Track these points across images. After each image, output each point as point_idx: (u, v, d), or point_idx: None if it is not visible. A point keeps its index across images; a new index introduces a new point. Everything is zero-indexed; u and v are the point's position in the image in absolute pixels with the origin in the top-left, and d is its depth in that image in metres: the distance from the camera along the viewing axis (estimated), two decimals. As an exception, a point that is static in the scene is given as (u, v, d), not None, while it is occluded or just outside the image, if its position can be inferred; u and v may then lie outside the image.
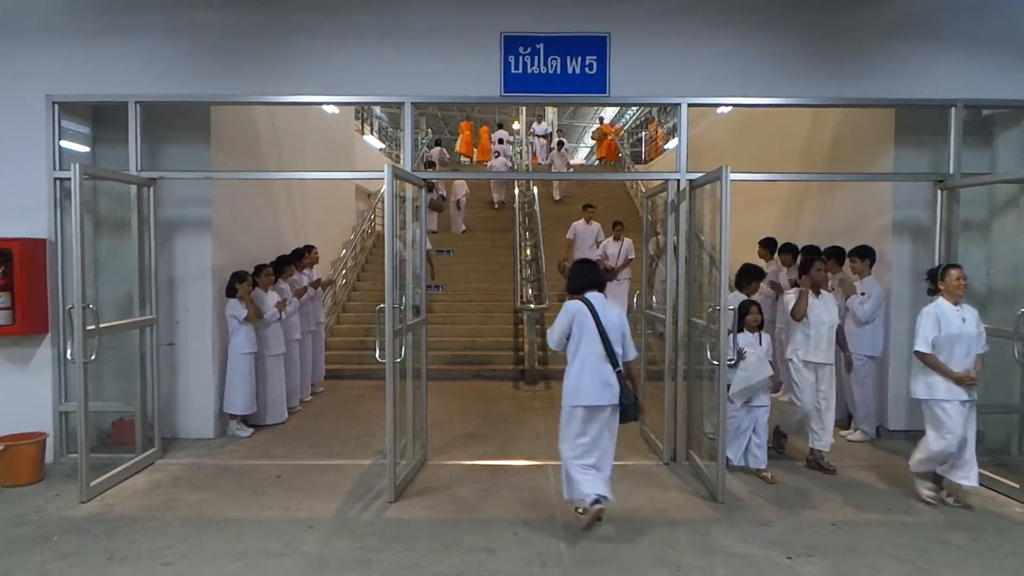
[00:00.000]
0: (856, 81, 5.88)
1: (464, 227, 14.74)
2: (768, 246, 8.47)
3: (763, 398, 5.54)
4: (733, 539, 4.42)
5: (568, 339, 4.48)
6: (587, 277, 4.63)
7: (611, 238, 10.54)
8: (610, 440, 4.50)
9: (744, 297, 5.83)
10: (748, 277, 5.98)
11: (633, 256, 10.29)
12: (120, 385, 6.15)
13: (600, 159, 18.99)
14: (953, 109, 5.87)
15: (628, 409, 4.39)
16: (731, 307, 5.26)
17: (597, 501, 4.35)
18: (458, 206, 14.77)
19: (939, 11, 5.85)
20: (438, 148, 18.30)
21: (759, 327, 5.64)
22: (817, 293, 5.68)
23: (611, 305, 4.53)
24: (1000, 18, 5.83)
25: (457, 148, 19.76)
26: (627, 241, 10.41)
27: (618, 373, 4.38)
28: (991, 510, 4.92)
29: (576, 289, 4.59)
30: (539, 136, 19.02)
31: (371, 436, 6.69)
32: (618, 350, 4.40)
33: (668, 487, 5.40)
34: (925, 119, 6.29)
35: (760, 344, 5.56)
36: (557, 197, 15.99)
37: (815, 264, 5.66)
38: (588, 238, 11.00)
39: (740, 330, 5.52)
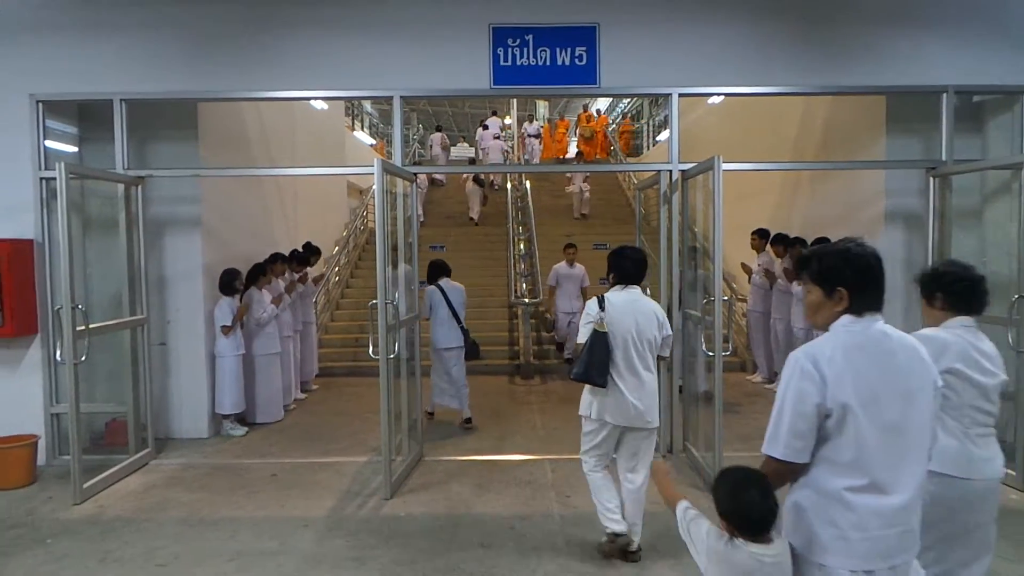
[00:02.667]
0: (846, 68, 5.86)
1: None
2: (761, 236, 8.47)
3: None
4: (730, 530, 4.41)
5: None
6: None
7: (564, 262, 9.46)
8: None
9: None
10: None
11: (588, 284, 9.39)
12: (112, 386, 6.11)
13: (585, 158, 16.87)
14: (944, 95, 5.86)
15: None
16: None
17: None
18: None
19: (929, -3, 5.83)
20: (439, 134, 18.22)
21: None
22: None
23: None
24: (991, 4, 5.82)
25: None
26: (580, 267, 9.43)
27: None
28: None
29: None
30: (531, 136, 18.28)
31: (366, 433, 6.67)
32: None
33: (664, 479, 5.38)
34: (916, 106, 6.27)
35: None
36: (585, 212, 14.66)
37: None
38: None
39: None
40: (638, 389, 3.85)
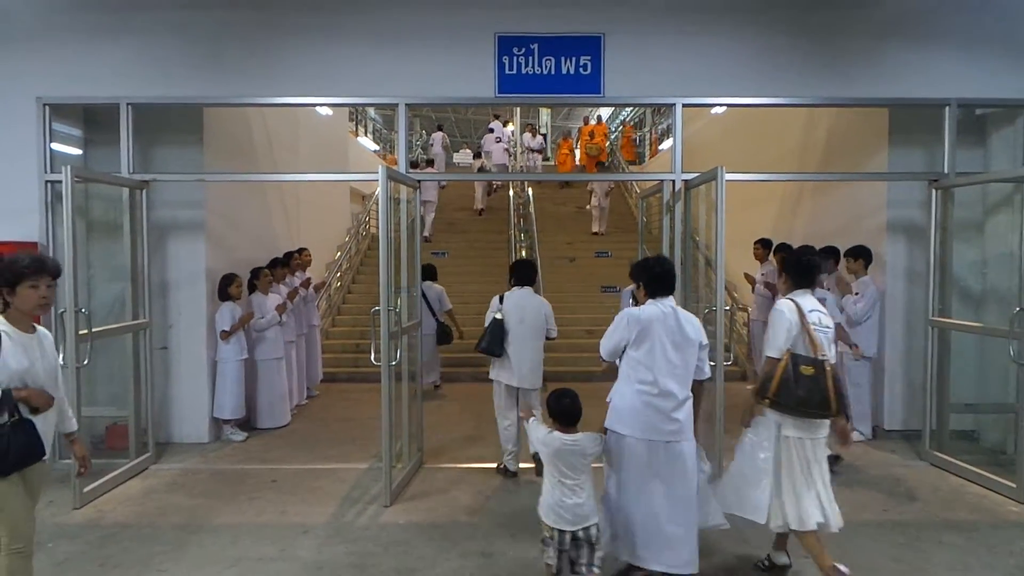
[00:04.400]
0: (850, 81, 5.88)
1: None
2: (764, 246, 8.47)
3: None
4: (729, 540, 4.41)
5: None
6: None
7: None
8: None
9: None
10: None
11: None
12: (114, 390, 6.10)
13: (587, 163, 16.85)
14: (947, 108, 5.88)
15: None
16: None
17: None
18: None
19: (932, 11, 5.85)
20: (440, 133, 18.23)
21: None
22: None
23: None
24: (993, 17, 5.84)
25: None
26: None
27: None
28: (988, 509, 4.91)
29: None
30: (534, 151, 17.61)
31: (367, 439, 6.65)
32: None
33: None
34: (919, 118, 6.30)
35: None
36: (602, 230, 14.31)
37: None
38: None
39: None
40: (525, 360, 5.42)
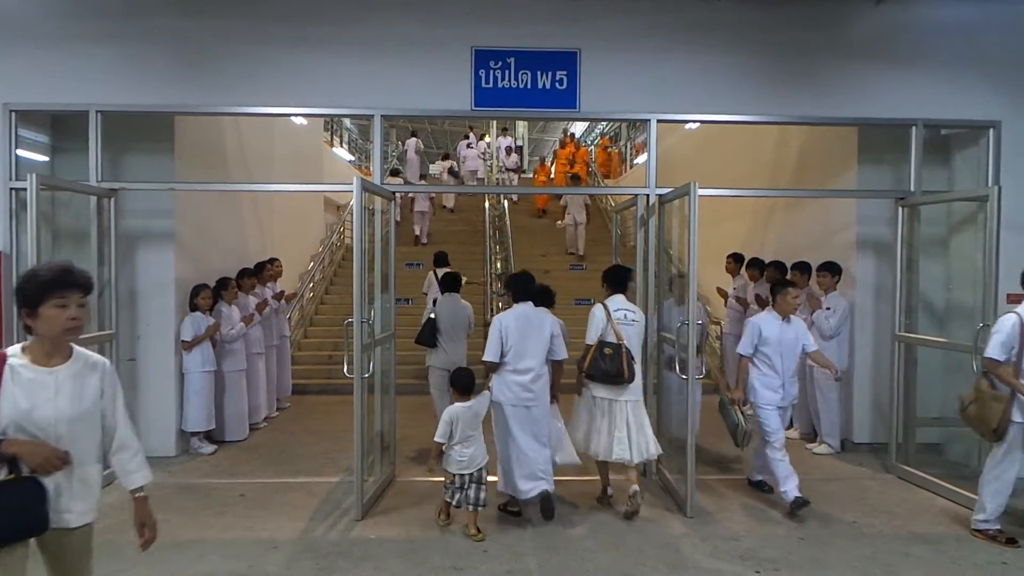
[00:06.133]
0: (820, 100, 6.00)
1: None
2: (736, 261, 8.57)
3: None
4: (703, 554, 4.43)
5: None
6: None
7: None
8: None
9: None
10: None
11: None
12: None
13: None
14: (914, 128, 6.01)
15: None
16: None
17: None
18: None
19: (900, 33, 6.00)
20: (414, 139, 18.22)
21: None
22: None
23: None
24: (959, 40, 6.00)
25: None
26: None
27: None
28: (953, 522, 4.99)
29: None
30: (510, 170, 17.22)
31: (338, 452, 6.58)
32: None
33: (638, 502, 5.39)
34: (887, 138, 6.44)
35: None
36: (580, 251, 13.63)
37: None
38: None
39: None
40: (452, 351, 6.54)
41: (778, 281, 5.79)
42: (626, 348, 4.98)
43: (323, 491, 5.55)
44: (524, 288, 5.12)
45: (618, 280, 5.32)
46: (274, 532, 4.73)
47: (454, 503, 4.70)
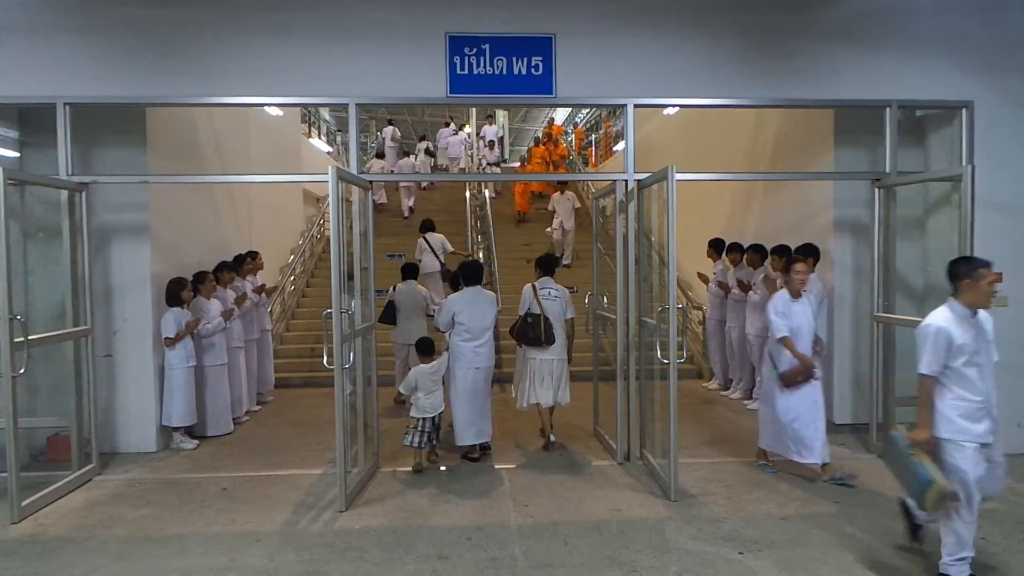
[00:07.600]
0: (795, 82, 6.00)
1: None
2: (716, 246, 8.60)
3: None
4: (686, 536, 4.46)
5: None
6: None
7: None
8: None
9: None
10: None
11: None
12: (57, 400, 5.87)
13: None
14: (888, 110, 6.04)
15: None
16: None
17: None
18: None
19: (874, 14, 6.01)
20: (391, 127, 18.12)
21: None
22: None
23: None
24: (931, 21, 6.02)
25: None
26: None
27: None
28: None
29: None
30: (492, 164, 16.54)
31: (321, 445, 6.55)
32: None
33: (622, 486, 5.41)
34: (862, 120, 6.47)
35: None
36: (567, 261, 12.93)
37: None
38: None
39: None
40: (410, 329, 7.81)
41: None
42: (545, 317, 6.15)
43: (307, 483, 5.53)
44: (474, 274, 6.27)
45: (548, 266, 6.60)
46: (257, 525, 4.71)
47: (415, 445, 5.76)
